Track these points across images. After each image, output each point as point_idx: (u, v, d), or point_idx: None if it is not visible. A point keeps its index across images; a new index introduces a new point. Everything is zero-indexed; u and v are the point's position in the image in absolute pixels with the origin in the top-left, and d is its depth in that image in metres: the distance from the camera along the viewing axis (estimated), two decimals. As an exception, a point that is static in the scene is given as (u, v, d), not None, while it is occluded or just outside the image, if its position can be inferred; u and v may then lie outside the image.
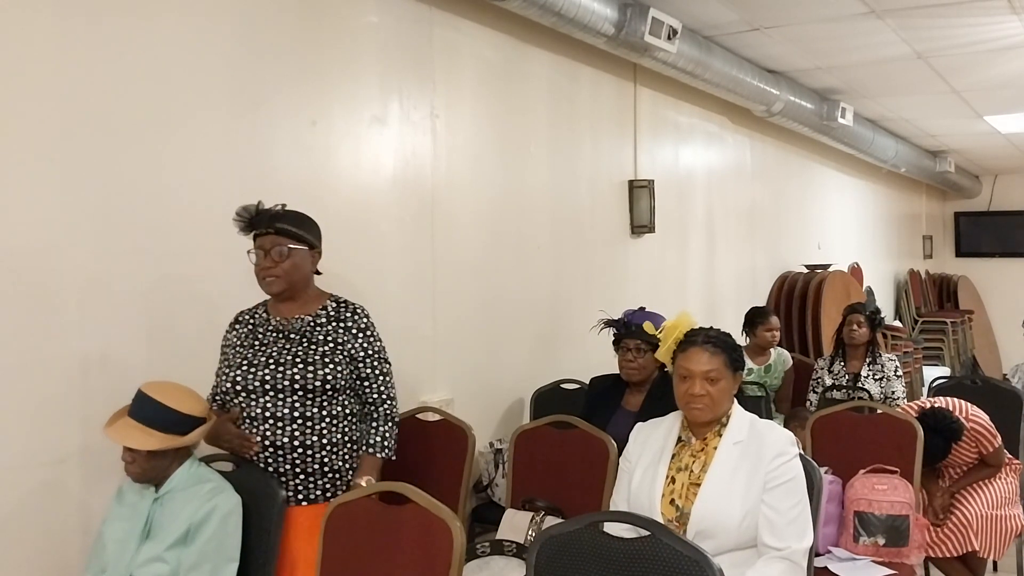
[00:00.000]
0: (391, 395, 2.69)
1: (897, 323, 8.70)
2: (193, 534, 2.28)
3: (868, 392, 4.52)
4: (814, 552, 2.38)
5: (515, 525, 2.99)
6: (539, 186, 4.37)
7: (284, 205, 2.59)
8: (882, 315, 4.79)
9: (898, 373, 4.63)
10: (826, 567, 3.01)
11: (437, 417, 3.29)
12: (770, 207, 6.90)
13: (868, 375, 4.62)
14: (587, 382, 3.74)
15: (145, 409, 2.32)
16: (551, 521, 2.90)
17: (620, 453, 2.58)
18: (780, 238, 7.11)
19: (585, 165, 4.72)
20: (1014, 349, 8.79)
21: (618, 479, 2.51)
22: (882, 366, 4.62)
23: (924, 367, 8.17)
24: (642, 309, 3.49)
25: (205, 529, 2.29)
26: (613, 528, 2.12)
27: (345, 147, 3.32)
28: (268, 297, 2.64)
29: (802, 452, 2.42)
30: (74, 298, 2.49)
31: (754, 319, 5.00)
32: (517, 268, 4.21)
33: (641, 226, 5.07)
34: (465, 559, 2.11)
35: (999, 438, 3.60)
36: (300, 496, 2.53)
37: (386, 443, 2.64)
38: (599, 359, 3.76)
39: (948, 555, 3.46)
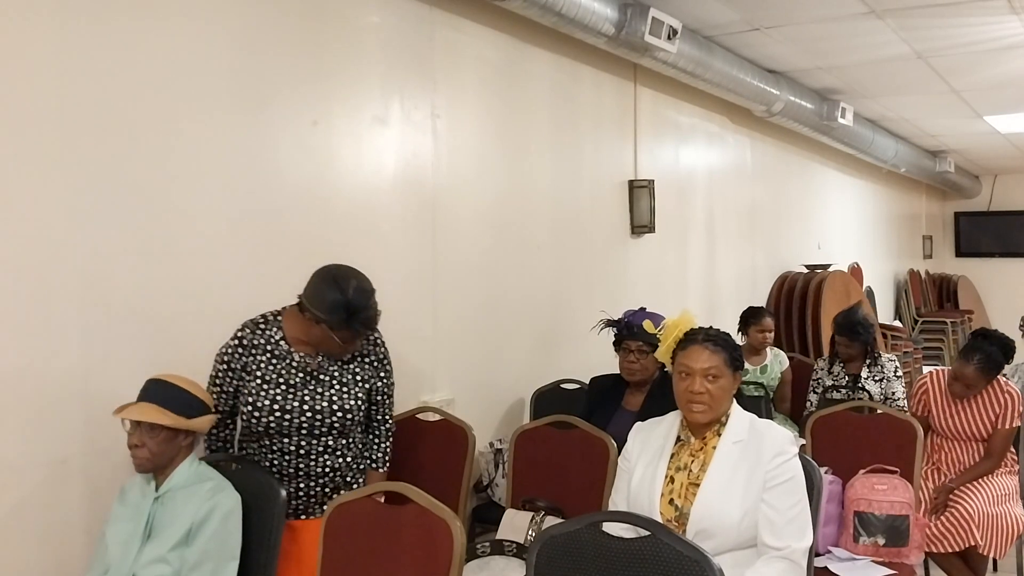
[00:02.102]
0: (392, 413, 2.81)
1: (897, 323, 8.71)
2: (195, 533, 2.29)
3: (868, 393, 4.52)
4: (814, 552, 2.38)
5: (515, 525, 3.00)
6: (540, 186, 4.38)
7: (374, 294, 2.56)
8: (870, 323, 4.68)
9: (898, 374, 4.63)
10: (826, 567, 3.01)
11: (437, 417, 3.29)
12: (770, 207, 6.90)
13: (868, 376, 4.61)
14: (587, 382, 3.74)
15: (156, 390, 2.34)
16: (551, 521, 2.90)
17: (620, 453, 2.59)
18: (780, 238, 7.11)
19: (585, 165, 4.72)
20: (1014, 349, 8.76)
21: (617, 478, 2.51)
22: (882, 367, 4.61)
23: (924, 367, 8.17)
24: (642, 309, 3.49)
25: (206, 528, 2.29)
26: (613, 528, 2.12)
27: (346, 147, 3.32)
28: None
29: (802, 452, 2.42)
30: (76, 299, 2.49)
31: (748, 319, 5.00)
32: (518, 268, 4.21)
33: (641, 226, 5.07)
34: (465, 559, 2.12)
35: (1019, 421, 3.65)
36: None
37: (387, 457, 2.78)
38: (599, 359, 3.76)
39: (949, 550, 3.47)
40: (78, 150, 2.49)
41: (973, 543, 3.43)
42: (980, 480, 3.64)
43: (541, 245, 4.38)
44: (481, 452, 3.75)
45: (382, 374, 2.71)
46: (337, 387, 2.58)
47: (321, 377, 2.57)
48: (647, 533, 1.91)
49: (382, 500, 2.30)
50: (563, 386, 4.18)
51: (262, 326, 2.58)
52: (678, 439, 2.42)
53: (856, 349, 4.57)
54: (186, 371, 2.49)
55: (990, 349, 3.68)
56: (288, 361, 2.56)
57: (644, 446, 2.45)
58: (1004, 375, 3.79)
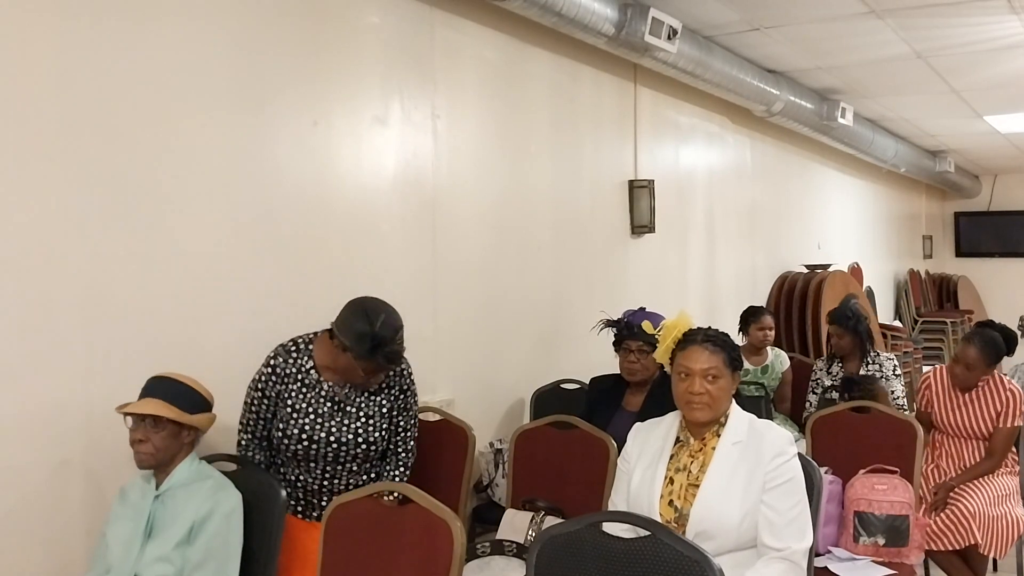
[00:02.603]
0: (412, 445, 2.79)
1: (897, 323, 8.70)
2: (197, 531, 2.30)
3: (868, 392, 4.51)
4: (814, 552, 2.38)
5: (515, 525, 3.00)
6: (540, 186, 4.38)
7: (401, 332, 2.57)
8: (862, 315, 4.70)
9: (897, 372, 4.62)
10: (826, 567, 3.01)
11: (437, 417, 3.29)
12: (770, 207, 6.90)
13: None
14: (587, 382, 3.74)
15: (159, 386, 2.36)
16: (551, 521, 2.90)
17: (620, 453, 2.59)
18: (780, 238, 7.11)
19: (586, 165, 4.72)
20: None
21: (616, 480, 2.51)
22: (880, 366, 4.61)
23: (924, 367, 8.17)
24: (642, 309, 3.50)
25: (208, 526, 2.30)
26: (613, 528, 2.12)
27: (346, 148, 3.32)
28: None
29: (801, 452, 2.42)
30: (77, 299, 2.49)
31: (748, 318, 5.02)
32: (518, 268, 4.21)
33: (641, 226, 5.07)
34: (465, 559, 2.12)
35: (1021, 421, 3.68)
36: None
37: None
38: (599, 359, 3.76)
39: (949, 548, 3.47)
40: (78, 150, 2.49)
41: (973, 542, 3.43)
42: (981, 480, 3.64)
43: (541, 245, 4.38)
44: (481, 452, 3.75)
45: (403, 403, 2.73)
46: (363, 419, 2.63)
47: (348, 408, 2.62)
48: (647, 533, 1.91)
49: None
50: (563, 386, 4.18)
51: (294, 354, 2.64)
52: (677, 440, 2.42)
53: (847, 340, 4.55)
54: (186, 371, 2.49)
55: (992, 334, 3.77)
56: (317, 390, 2.61)
57: (643, 447, 2.45)
58: (1005, 374, 3.81)
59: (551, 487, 3.06)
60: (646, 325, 3.32)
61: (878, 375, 4.58)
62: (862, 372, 4.59)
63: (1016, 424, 3.67)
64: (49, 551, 2.44)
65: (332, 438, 2.58)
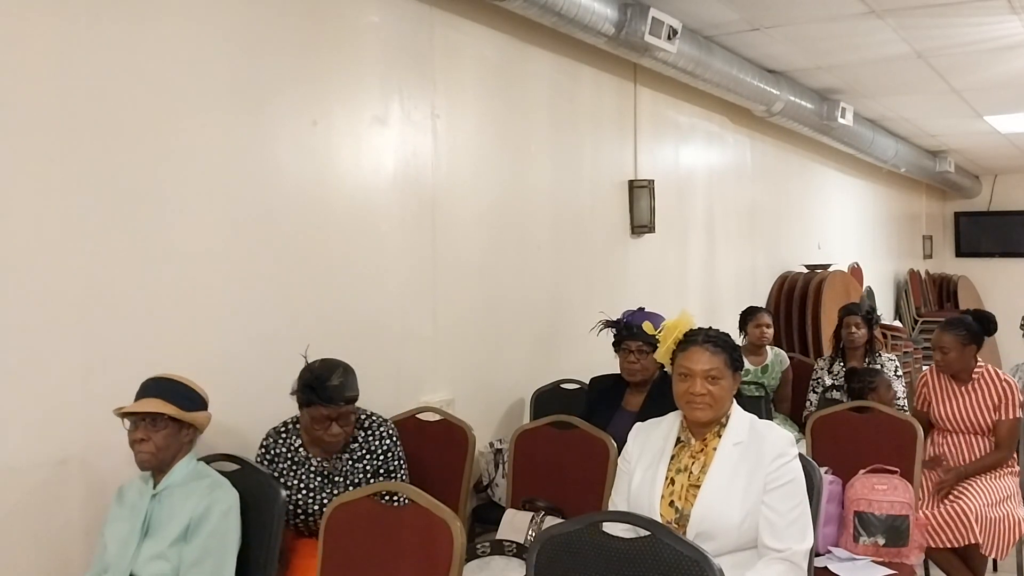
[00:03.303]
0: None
1: (897, 323, 8.70)
2: (194, 529, 2.30)
3: (868, 392, 4.51)
4: (814, 552, 2.38)
5: (515, 525, 3.00)
6: (540, 186, 4.37)
7: (341, 371, 2.61)
8: (878, 313, 4.81)
9: (898, 373, 4.64)
10: (826, 567, 3.01)
11: (437, 417, 3.29)
12: (770, 207, 6.90)
13: (868, 375, 4.61)
14: (587, 382, 3.74)
15: (156, 386, 2.38)
16: (551, 521, 2.90)
17: (620, 453, 2.59)
18: (780, 238, 7.11)
19: (585, 165, 4.72)
20: (1014, 349, 8.78)
21: (617, 479, 2.51)
22: (882, 366, 4.62)
23: (923, 367, 8.16)
24: (641, 309, 3.50)
25: (206, 524, 2.30)
26: (613, 528, 2.12)
27: (346, 147, 3.32)
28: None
29: (802, 452, 2.42)
30: (76, 300, 2.49)
31: (745, 317, 5.05)
32: (518, 268, 4.21)
33: (641, 226, 5.07)
34: (465, 559, 2.12)
35: (1020, 412, 3.69)
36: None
37: None
38: (599, 359, 3.76)
39: (947, 545, 3.46)
40: (78, 150, 2.49)
41: (973, 540, 3.43)
42: (982, 480, 3.63)
43: (541, 245, 4.37)
44: (481, 452, 3.74)
45: (387, 469, 2.72)
46: (351, 489, 2.65)
47: (336, 479, 2.68)
48: (647, 533, 1.91)
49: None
50: (563, 386, 4.17)
51: (283, 435, 2.73)
52: (678, 440, 2.41)
53: (864, 331, 4.64)
54: (186, 371, 2.49)
55: (965, 317, 3.84)
56: (307, 467, 2.69)
57: (644, 448, 2.45)
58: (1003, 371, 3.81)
59: (551, 487, 3.06)
60: (646, 326, 3.32)
61: (879, 375, 4.59)
62: (864, 371, 4.60)
63: (1016, 415, 3.68)
64: (48, 551, 2.44)
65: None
